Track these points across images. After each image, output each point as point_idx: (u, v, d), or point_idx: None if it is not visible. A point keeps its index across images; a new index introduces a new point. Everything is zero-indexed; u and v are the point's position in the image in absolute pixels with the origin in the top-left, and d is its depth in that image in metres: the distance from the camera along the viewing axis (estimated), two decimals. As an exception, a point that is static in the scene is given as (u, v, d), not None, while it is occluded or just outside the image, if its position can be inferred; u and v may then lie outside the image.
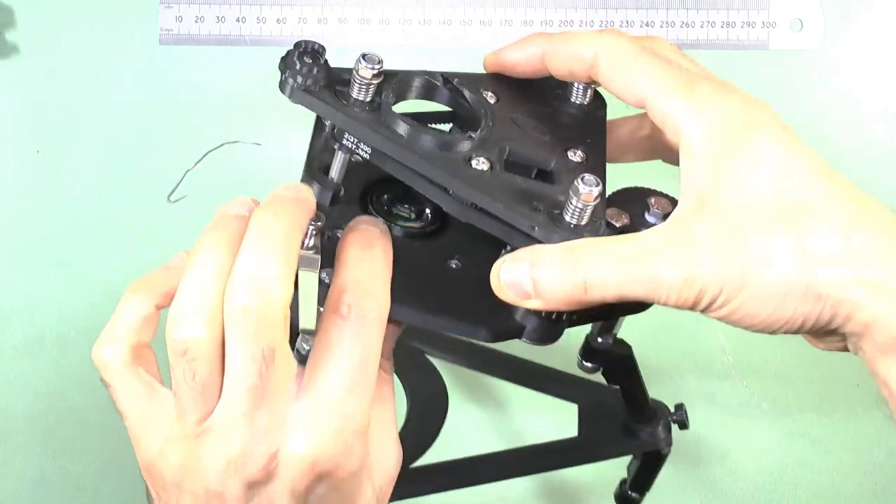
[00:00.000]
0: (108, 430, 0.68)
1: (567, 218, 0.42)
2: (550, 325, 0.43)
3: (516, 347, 0.65)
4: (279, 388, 0.40)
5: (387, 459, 0.43)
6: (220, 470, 0.40)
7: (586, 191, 0.41)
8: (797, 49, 0.67)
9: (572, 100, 0.49)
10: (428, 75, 0.48)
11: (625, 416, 0.59)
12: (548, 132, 0.46)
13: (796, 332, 0.41)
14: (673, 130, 0.42)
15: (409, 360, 0.62)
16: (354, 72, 0.43)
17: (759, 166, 0.42)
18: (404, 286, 0.43)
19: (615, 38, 0.44)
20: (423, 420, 0.60)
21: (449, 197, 0.45)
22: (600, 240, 0.41)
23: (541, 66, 0.47)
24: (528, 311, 0.43)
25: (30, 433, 0.68)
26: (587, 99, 0.49)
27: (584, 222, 0.42)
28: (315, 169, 0.47)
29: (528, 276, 0.41)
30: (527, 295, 0.41)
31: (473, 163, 0.43)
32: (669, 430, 0.60)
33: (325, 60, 0.44)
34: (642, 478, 0.61)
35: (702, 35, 0.67)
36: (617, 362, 0.54)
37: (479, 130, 0.45)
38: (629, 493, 0.62)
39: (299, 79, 0.44)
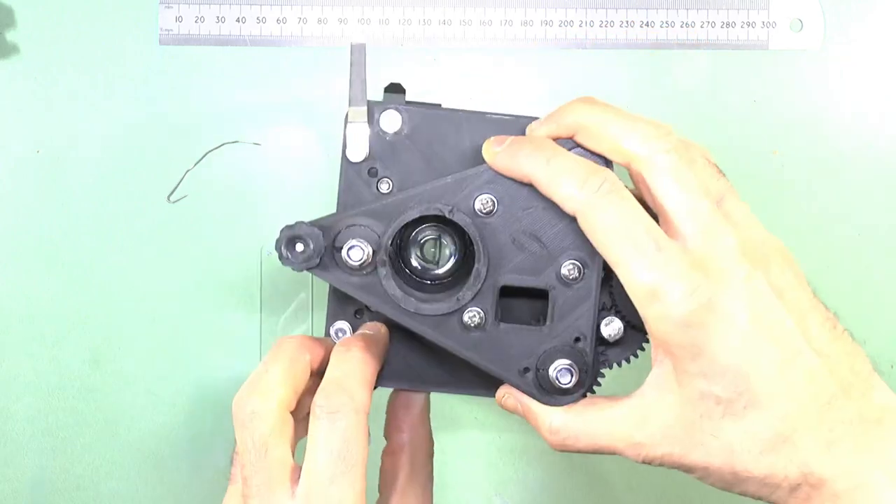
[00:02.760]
0: (108, 430, 0.68)
1: (550, 381, 0.49)
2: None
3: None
4: (274, 486, 0.44)
5: None
6: None
7: (565, 381, 0.48)
8: (797, 49, 0.67)
9: None
10: (428, 219, 0.52)
11: None
12: (545, 244, 0.49)
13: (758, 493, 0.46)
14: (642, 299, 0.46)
15: None
16: (346, 258, 0.49)
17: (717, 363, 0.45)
18: (420, 367, 0.52)
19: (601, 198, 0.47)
20: None
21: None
22: (577, 415, 0.48)
23: None
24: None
25: (30, 433, 0.68)
26: None
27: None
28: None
29: (523, 413, 0.50)
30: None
31: (466, 317, 0.49)
32: None
33: (320, 237, 0.49)
34: None
35: (702, 35, 0.67)
36: None
37: (470, 279, 0.49)
38: None
39: (296, 265, 0.49)
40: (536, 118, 0.53)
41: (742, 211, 0.46)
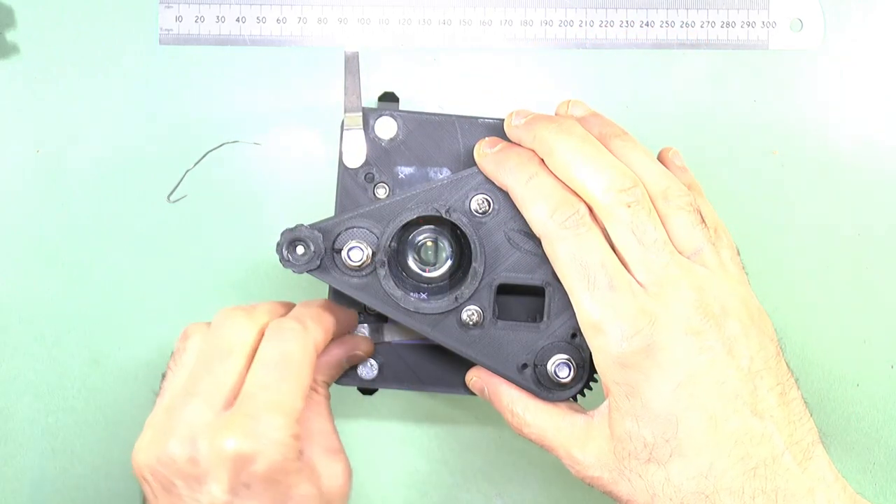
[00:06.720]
0: (108, 430, 0.68)
1: (548, 376, 0.50)
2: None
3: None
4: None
5: (330, 469, 0.48)
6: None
7: (563, 375, 0.49)
8: (797, 49, 0.67)
9: None
10: (430, 222, 0.53)
11: None
12: (539, 242, 0.50)
13: None
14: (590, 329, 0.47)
15: None
16: (346, 258, 0.50)
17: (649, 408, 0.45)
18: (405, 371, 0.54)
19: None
20: None
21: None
22: (537, 409, 0.50)
23: None
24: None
25: (30, 433, 0.68)
26: None
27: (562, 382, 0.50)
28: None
29: (489, 394, 0.51)
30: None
31: (464, 315, 0.50)
32: None
33: (320, 239, 0.50)
34: None
35: (702, 35, 0.67)
36: None
37: (468, 278, 0.50)
38: None
39: (298, 267, 0.50)
40: None
41: (722, 262, 0.47)
